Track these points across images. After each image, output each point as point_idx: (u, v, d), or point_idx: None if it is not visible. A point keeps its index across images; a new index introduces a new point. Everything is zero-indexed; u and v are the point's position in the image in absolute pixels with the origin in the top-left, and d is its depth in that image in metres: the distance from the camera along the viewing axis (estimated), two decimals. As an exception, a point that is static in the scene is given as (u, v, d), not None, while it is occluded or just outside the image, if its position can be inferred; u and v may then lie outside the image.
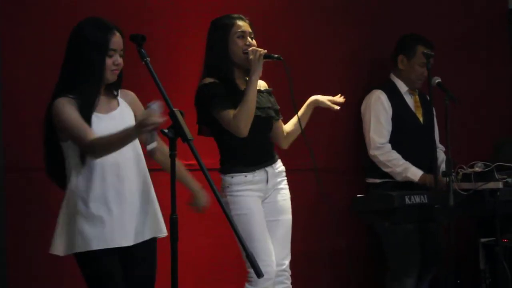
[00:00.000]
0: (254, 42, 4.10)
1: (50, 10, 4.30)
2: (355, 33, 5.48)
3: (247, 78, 4.03)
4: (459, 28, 5.92)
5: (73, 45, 3.53)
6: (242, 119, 3.96)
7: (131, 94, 3.72)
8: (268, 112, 4.13)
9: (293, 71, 4.11)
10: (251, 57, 4.01)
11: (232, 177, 4.04)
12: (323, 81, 5.19)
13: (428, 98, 5.17)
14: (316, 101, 4.26)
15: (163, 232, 3.58)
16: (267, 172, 4.09)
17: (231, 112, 3.96)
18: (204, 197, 3.74)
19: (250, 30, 4.11)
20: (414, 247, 5.06)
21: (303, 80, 4.24)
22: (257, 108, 4.05)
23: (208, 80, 4.04)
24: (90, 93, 3.49)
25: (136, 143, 3.56)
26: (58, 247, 3.49)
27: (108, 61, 3.51)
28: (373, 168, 5.15)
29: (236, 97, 3.99)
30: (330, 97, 4.26)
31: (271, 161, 4.14)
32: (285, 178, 4.20)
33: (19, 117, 4.15)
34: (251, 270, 3.89)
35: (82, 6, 4.34)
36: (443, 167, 4.88)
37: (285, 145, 4.31)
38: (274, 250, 4.05)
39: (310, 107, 4.26)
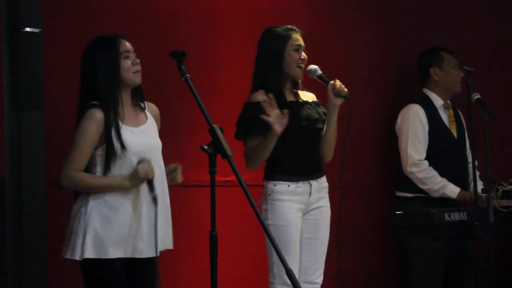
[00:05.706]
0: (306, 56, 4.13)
1: (89, 25, 4.35)
2: (386, 43, 5.45)
3: (294, 90, 4.09)
4: (497, 36, 5.84)
5: (84, 62, 3.60)
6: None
7: (156, 109, 3.76)
8: (315, 124, 4.11)
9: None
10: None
11: (275, 185, 4.02)
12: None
13: (460, 113, 5.18)
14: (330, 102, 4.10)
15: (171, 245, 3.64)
16: (311, 185, 4.06)
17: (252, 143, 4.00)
18: None
19: (303, 44, 4.13)
20: (441, 265, 5.03)
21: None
22: (305, 119, 4.06)
23: (257, 97, 4.03)
24: (112, 96, 3.52)
25: (160, 159, 3.61)
26: (77, 252, 3.51)
27: (126, 62, 3.56)
28: (405, 182, 5.11)
29: (283, 108, 3.93)
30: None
31: (317, 175, 4.11)
32: (327, 195, 4.16)
33: (61, 132, 4.19)
34: (273, 281, 3.98)
35: (120, 19, 4.38)
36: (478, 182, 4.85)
37: (326, 157, 4.19)
38: (307, 268, 4.06)
39: (333, 109, 4.10)
